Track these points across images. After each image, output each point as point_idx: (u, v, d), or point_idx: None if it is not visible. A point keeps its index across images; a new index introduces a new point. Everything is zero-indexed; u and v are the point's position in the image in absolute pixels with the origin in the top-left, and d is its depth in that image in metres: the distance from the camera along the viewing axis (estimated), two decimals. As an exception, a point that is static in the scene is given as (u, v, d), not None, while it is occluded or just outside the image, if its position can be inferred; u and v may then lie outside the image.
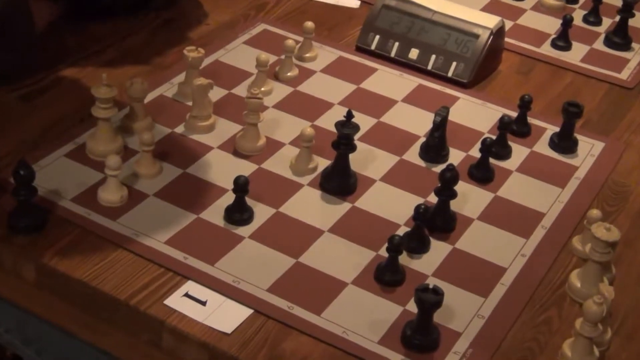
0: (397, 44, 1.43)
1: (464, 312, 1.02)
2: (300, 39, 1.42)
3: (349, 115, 1.14)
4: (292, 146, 1.23)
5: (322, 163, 1.20)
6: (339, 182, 1.16)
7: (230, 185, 1.09)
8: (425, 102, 1.35)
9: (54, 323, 1.08)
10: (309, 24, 1.40)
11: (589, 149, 1.30)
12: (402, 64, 1.43)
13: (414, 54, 1.42)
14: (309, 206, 1.14)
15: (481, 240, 1.12)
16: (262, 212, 1.12)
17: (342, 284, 1.04)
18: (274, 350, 0.95)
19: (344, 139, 1.15)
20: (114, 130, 1.18)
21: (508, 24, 1.55)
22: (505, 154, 1.26)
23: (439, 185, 1.11)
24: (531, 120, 1.32)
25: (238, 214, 1.09)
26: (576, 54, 1.52)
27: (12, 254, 1.04)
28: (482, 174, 1.21)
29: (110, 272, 1.02)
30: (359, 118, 1.21)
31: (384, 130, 1.27)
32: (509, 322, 1.02)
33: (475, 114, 1.34)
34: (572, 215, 1.17)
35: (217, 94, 1.30)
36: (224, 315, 0.98)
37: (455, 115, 1.31)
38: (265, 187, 1.15)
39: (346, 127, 1.14)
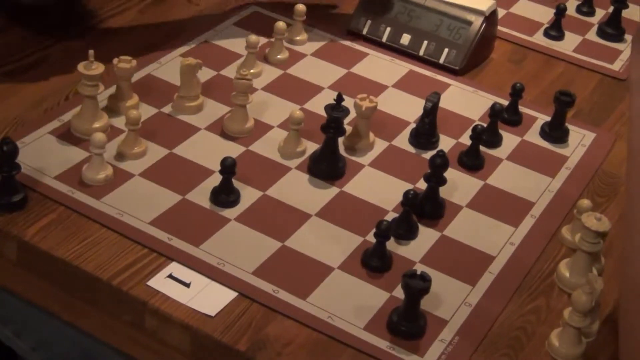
0: (388, 29, 1.42)
1: (451, 300, 1.01)
2: (292, 21, 1.41)
3: (339, 99, 1.13)
4: (280, 129, 1.21)
5: (311, 147, 1.18)
6: (328, 166, 1.15)
7: (217, 167, 1.08)
8: (416, 88, 1.34)
9: (34, 303, 1.06)
10: (300, 7, 1.38)
11: (579, 139, 1.29)
12: (393, 49, 1.41)
13: (405, 39, 1.41)
14: (297, 190, 1.12)
15: (470, 228, 1.11)
16: (249, 195, 1.10)
17: (328, 268, 1.02)
18: (257, 334, 0.94)
19: (333, 123, 1.13)
20: (100, 108, 1.17)
21: (501, 13, 1.53)
22: (495, 142, 1.25)
23: (429, 171, 1.10)
24: (522, 109, 1.31)
25: (224, 195, 1.08)
26: (569, 44, 1.51)
27: (-7, 232, 1.03)
28: (472, 161, 1.20)
29: (93, 252, 1.00)
30: (348, 103, 1.20)
31: (374, 116, 1.25)
32: (496, 311, 1.01)
33: (467, 101, 1.33)
34: (561, 205, 1.16)
35: (205, 74, 1.28)
36: (208, 298, 0.97)
37: (446, 102, 1.29)
38: (253, 169, 1.14)
39: (336, 110, 1.13)
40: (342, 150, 1.19)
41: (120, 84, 1.20)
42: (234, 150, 1.16)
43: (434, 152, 1.11)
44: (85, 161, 1.10)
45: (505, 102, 1.29)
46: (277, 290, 0.98)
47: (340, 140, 1.19)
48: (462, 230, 1.10)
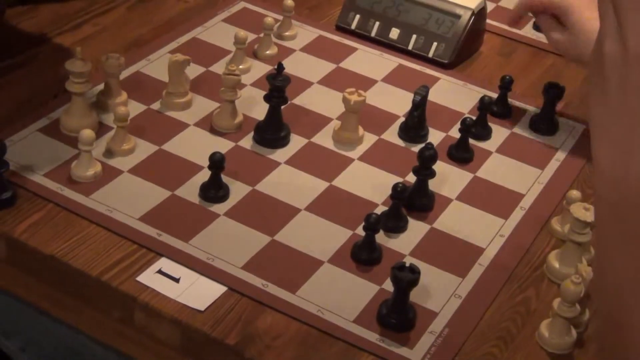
0: (377, 23, 1.42)
1: (441, 292, 1.01)
2: (280, 17, 1.41)
3: (280, 68, 1.16)
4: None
5: (299, 142, 1.19)
6: (272, 135, 1.18)
7: (206, 163, 1.08)
8: (406, 82, 1.34)
9: (24, 300, 1.06)
10: (289, 2, 1.38)
11: (569, 131, 1.29)
12: (382, 43, 1.41)
13: (394, 33, 1.41)
14: (286, 184, 1.12)
15: (459, 221, 1.11)
16: (238, 190, 1.10)
17: (318, 262, 1.02)
18: (247, 328, 0.94)
19: (276, 92, 1.15)
20: (89, 105, 1.17)
21: (490, 6, 1.53)
22: (485, 134, 1.25)
23: (418, 164, 1.10)
24: (512, 101, 1.31)
25: (213, 191, 1.08)
26: (558, 37, 1.51)
27: (-18, 229, 1.03)
28: (461, 154, 1.20)
29: (83, 248, 1.00)
30: (338, 97, 1.20)
31: (363, 110, 1.25)
32: (486, 303, 1.01)
33: (456, 94, 1.33)
34: (551, 197, 1.16)
35: (194, 71, 1.28)
36: (197, 293, 0.97)
37: (436, 95, 1.30)
38: (242, 164, 1.14)
39: (277, 79, 1.15)
40: (331, 144, 1.19)
41: (108, 81, 1.20)
42: (223, 145, 1.16)
43: (423, 145, 1.11)
44: (74, 158, 1.10)
45: (495, 95, 1.30)
46: (266, 284, 0.98)
47: (330, 134, 1.20)
48: (452, 222, 1.10)
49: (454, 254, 1.06)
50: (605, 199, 0.64)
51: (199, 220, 1.05)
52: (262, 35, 1.35)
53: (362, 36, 1.43)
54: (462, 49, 1.39)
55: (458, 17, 1.38)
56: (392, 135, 1.23)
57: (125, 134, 1.13)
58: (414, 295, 0.96)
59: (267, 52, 1.35)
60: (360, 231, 1.05)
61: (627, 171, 0.61)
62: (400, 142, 1.22)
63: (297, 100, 1.26)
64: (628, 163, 0.61)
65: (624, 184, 0.62)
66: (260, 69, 1.32)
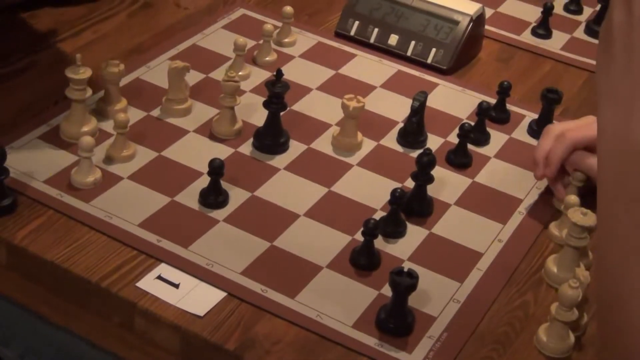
0: (376, 30, 1.42)
1: (439, 297, 1.01)
2: (280, 24, 1.41)
3: (279, 75, 1.16)
4: (269, 130, 1.22)
5: (298, 148, 1.19)
6: (271, 141, 1.18)
7: (205, 169, 1.08)
8: (405, 88, 1.34)
9: (24, 306, 1.06)
10: (288, 9, 1.39)
11: (567, 136, 1.29)
12: (381, 50, 1.42)
13: (393, 40, 1.41)
14: (285, 190, 1.13)
15: (458, 226, 1.11)
16: (237, 196, 1.11)
17: (317, 267, 1.03)
18: (246, 333, 0.94)
19: (275, 98, 1.16)
20: (89, 112, 1.17)
21: (488, 12, 1.54)
22: (483, 140, 1.25)
23: (416, 169, 1.10)
24: (510, 107, 1.31)
25: (213, 197, 1.08)
26: (556, 42, 1.51)
27: (-18, 236, 1.03)
28: (459, 159, 1.21)
29: (83, 255, 1.01)
30: (337, 103, 1.21)
31: (362, 116, 1.26)
32: (484, 307, 1.01)
33: (454, 100, 1.34)
34: (549, 202, 1.17)
35: (194, 77, 1.28)
36: (196, 298, 0.97)
37: (434, 101, 1.30)
38: (241, 170, 1.14)
39: (276, 86, 1.16)
40: (330, 150, 1.20)
41: (108, 87, 1.20)
42: (222, 151, 1.17)
43: (421, 150, 1.11)
44: (74, 165, 1.10)
45: (493, 101, 1.30)
46: (265, 289, 0.99)
47: (329, 140, 1.21)
48: (450, 227, 1.11)
49: (452, 258, 1.06)
50: (608, 160, 0.65)
51: (198, 226, 1.06)
52: (261, 41, 1.36)
53: (361, 42, 1.43)
54: (461, 55, 1.40)
55: (456, 23, 1.39)
56: (390, 140, 1.24)
57: (125, 140, 1.14)
58: (413, 300, 0.97)
59: (267, 58, 1.35)
60: (359, 236, 1.05)
61: (629, 128, 0.63)
62: (399, 148, 1.23)
63: (297, 107, 1.27)
64: (630, 120, 0.62)
65: (626, 140, 0.63)
66: (259, 76, 1.32)
